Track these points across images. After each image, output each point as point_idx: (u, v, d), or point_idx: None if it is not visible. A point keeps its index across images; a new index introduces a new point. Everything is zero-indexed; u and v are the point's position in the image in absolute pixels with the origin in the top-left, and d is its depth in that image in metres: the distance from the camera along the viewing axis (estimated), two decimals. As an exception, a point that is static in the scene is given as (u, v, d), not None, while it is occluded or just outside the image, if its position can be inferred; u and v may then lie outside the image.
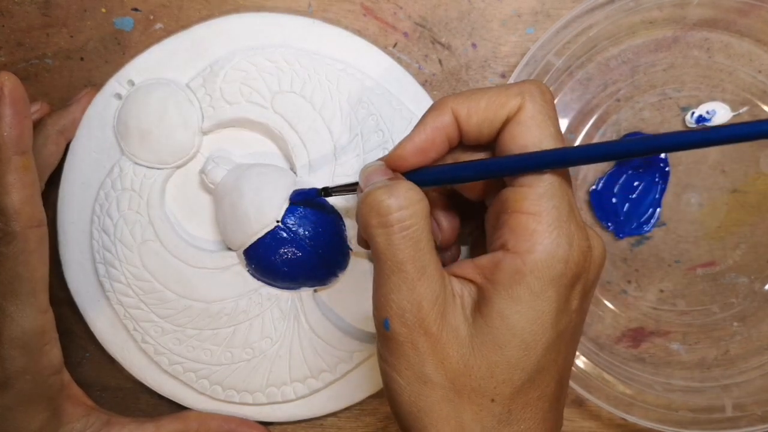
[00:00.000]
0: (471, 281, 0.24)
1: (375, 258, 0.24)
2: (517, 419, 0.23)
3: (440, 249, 0.29)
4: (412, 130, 0.25)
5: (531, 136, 0.23)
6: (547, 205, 0.23)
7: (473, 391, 0.23)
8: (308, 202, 0.33)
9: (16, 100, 0.29)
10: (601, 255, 0.25)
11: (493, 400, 0.23)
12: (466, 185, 0.27)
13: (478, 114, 0.24)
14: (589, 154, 0.23)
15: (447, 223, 0.28)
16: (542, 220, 0.23)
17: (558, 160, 0.23)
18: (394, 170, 0.26)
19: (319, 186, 0.32)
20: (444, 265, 0.25)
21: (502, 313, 0.23)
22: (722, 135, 0.20)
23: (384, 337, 0.24)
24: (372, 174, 0.26)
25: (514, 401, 0.23)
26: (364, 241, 0.27)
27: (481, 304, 0.23)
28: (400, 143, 0.25)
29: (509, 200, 0.24)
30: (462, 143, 0.26)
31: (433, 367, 0.23)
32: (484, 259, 0.24)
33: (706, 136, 0.21)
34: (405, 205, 0.23)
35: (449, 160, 0.27)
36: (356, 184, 0.27)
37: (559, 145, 0.23)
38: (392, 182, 0.24)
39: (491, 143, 0.25)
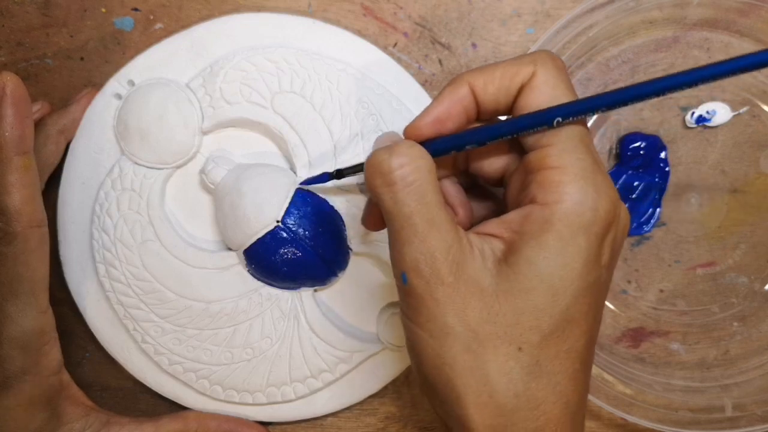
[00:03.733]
0: (495, 236, 0.24)
1: (386, 219, 0.24)
2: (547, 372, 0.23)
3: None
4: (430, 104, 0.26)
5: (544, 97, 0.24)
6: (571, 158, 0.23)
7: (498, 338, 0.22)
8: (318, 183, 0.33)
9: (18, 101, 0.29)
10: (627, 215, 0.25)
11: (520, 349, 0.22)
12: (485, 165, 0.27)
13: (494, 83, 0.25)
14: (597, 103, 0.23)
15: (462, 211, 0.28)
16: (568, 171, 0.23)
17: (569, 111, 0.23)
18: (413, 140, 0.26)
19: (323, 187, 0.32)
20: None
21: (530, 260, 0.22)
22: (727, 68, 0.21)
23: (404, 293, 0.24)
24: (380, 142, 0.26)
25: (542, 351, 0.23)
26: (372, 221, 0.27)
27: (507, 254, 0.23)
28: (418, 115, 0.26)
29: (532, 162, 0.24)
30: (480, 116, 0.26)
31: (455, 316, 0.23)
32: (511, 215, 0.24)
33: (711, 71, 0.21)
34: (406, 162, 0.23)
35: None
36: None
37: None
38: (393, 144, 0.24)
39: (506, 113, 0.26)
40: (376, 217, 0.28)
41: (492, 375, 0.22)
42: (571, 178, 0.23)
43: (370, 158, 0.24)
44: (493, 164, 0.27)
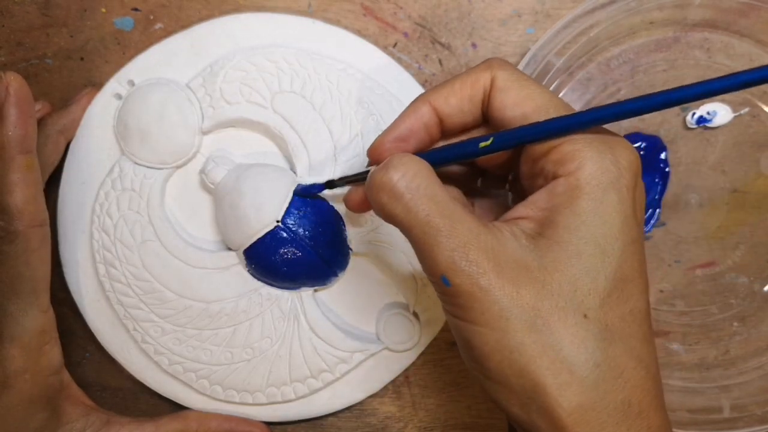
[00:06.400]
0: (522, 218, 0.24)
1: (404, 231, 0.23)
2: (620, 336, 0.22)
3: None
4: (392, 123, 0.26)
5: (516, 94, 0.24)
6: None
7: (561, 310, 0.21)
8: (311, 195, 0.33)
9: (21, 100, 0.29)
10: (641, 166, 0.24)
11: (586, 316, 0.21)
12: (489, 159, 0.27)
13: (455, 95, 0.25)
14: (584, 119, 0.23)
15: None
16: (577, 139, 0.23)
17: (572, 124, 0.23)
18: (375, 160, 0.26)
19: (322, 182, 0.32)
20: None
21: (569, 227, 0.22)
22: (724, 84, 0.20)
23: (449, 296, 0.22)
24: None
25: (607, 314, 0.22)
26: (355, 201, 0.28)
27: (543, 230, 0.23)
28: (380, 135, 0.26)
29: (537, 148, 0.24)
30: (446, 130, 0.26)
31: (509, 300, 0.21)
32: (534, 195, 0.24)
33: (706, 88, 0.21)
34: (404, 171, 0.23)
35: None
36: (360, 174, 0.28)
37: (545, 95, 0.24)
38: (386, 161, 0.24)
39: (477, 125, 0.26)
40: (359, 195, 0.28)
41: (566, 349, 0.21)
42: (584, 144, 0.23)
43: (369, 182, 0.24)
44: (495, 158, 0.27)
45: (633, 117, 0.23)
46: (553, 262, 0.22)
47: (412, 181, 0.23)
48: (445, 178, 0.27)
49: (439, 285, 0.23)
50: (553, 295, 0.22)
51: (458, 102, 0.25)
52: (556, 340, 0.21)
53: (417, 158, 0.24)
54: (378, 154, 0.26)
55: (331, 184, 0.32)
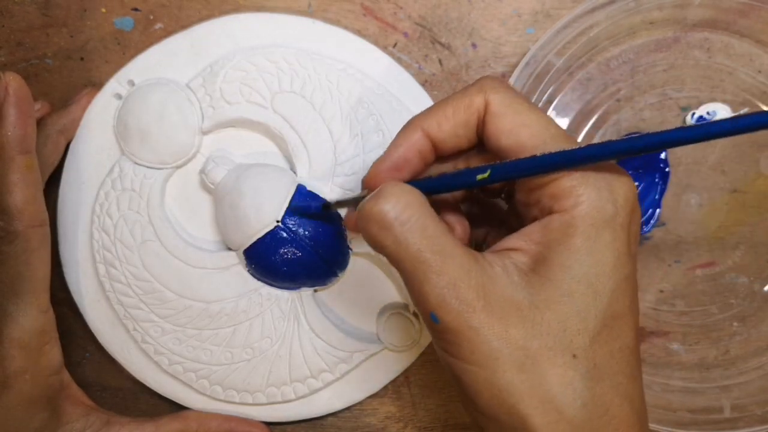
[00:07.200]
0: (516, 250, 0.23)
1: (394, 264, 0.23)
2: (607, 373, 0.22)
3: None
4: (386, 150, 0.26)
5: (510, 121, 0.24)
6: None
7: (550, 350, 0.22)
8: (308, 214, 0.33)
9: (20, 100, 0.29)
10: (638, 199, 0.24)
11: (574, 356, 0.22)
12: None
13: (448, 121, 0.25)
14: (585, 154, 0.22)
15: (460, 227, 0.28)
16: (575, 175, 0.23)
17: (575, 158, 0.23)
18: (371, 189, 0.26)
19: (322, 187, 0.33)
20: None
21: (562, 264, 0.22)
22: (721, 129, 0.20)
23: (438, 332, 0.23)
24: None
25: (596, 353, 0.22)
26: (354, 222, 0.27)
27: (535, 265, 0.23)
28: (375, 163, 0.26)
29: (534, 180, 0.24)
30: (440, 155, 0.26)
31: (499, 339, 0.21)
32: (529, 228, 0.24)
33: (704, 131, 0.20)
34: (395, 202, 0.23)
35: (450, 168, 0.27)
36: (356, 197, 0.27)
37: (541, 121, 0.24)
38: (377, 189, 0.24)
39: (472, 146, 0.26)
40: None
41: (555, 389, 0.21)
42: (581, 181, 0.22)
43: (360, 212, 0.24)
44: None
45: (632, 156, 0.22)
46: (544, 301, 0.22)
47: (403, 213, 0.23)
48: None
49: (429, 321, 0.23)
50: (543, 335, 0.22)
51: (452, 128, 0.25)
52: (544, 380, 0.21)
53: (409, 188, 0.23)
54: (374, 185, 0.26)
55: (327, 207, 0.32)
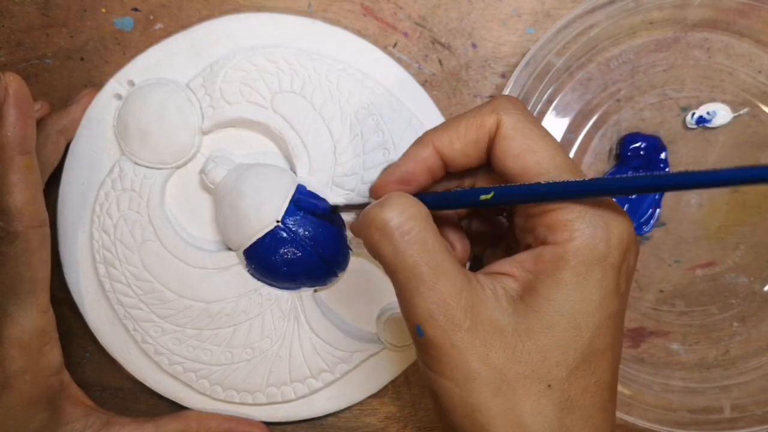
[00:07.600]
0: (507, 275, 0.24)
1: (389, 272, 0.24)
2: (579, 406, 0.23)
3: None
4: (396, 162, 0.26)
5: (518, 145, 0.24)
6: None
7: (527, 378, 0.22)
8: (315, 213, 0.33)
9: (20, 101, 0.29)
10: (635, 237, 0.24)
11: (549, 386, 0.22)
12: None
13: (460, 140, 0.25)
14: (589, 188, 0.23)
15: (460, 245, 0.28)
16: (574, 209, 0.23)
17: (573, 191, 0.23)
18: (378, 198, 0.26)
19: (322, 187, 0.33)
20: None
21: (549, 297, 0.22)
22: (726, 177, 0.20)
23: (422, 345, 0.23)
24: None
25: (572, 385, 0.22)
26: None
27: (523, 293, 0.23)
28: (384, 173, 0.26)
29: (533, 207, 0.24)
30: (449, 170, 0.26)
31: (478, 361, 0.22)
32: (523, 255, 0.24)
33: (706, 178, 0.20)
34: (399, 212, 0.23)
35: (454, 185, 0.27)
36: (364, 203, 0.27)
37: (548, 148, 0.24)
38: (384, 198, 0.24)
39: (481, 165, 0.26)
40: None
41: (526, 416, 0.22)
42: (578, 215, 0.23)
43: (363, 216, 0.24)
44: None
45: (633, 194, 0.22)
46: (526, 330, 0.22)
47: (406, 224, 0.23)
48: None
49: (414, 333, 0.23)
50: (522, 362, 0.22)
51: (463, 147, 0.25)
52: (517, 405, 0.22)
53: (415, 200, 0.24)
54: (380, 194, 0.26)
55: (334, 209, 0.32)
